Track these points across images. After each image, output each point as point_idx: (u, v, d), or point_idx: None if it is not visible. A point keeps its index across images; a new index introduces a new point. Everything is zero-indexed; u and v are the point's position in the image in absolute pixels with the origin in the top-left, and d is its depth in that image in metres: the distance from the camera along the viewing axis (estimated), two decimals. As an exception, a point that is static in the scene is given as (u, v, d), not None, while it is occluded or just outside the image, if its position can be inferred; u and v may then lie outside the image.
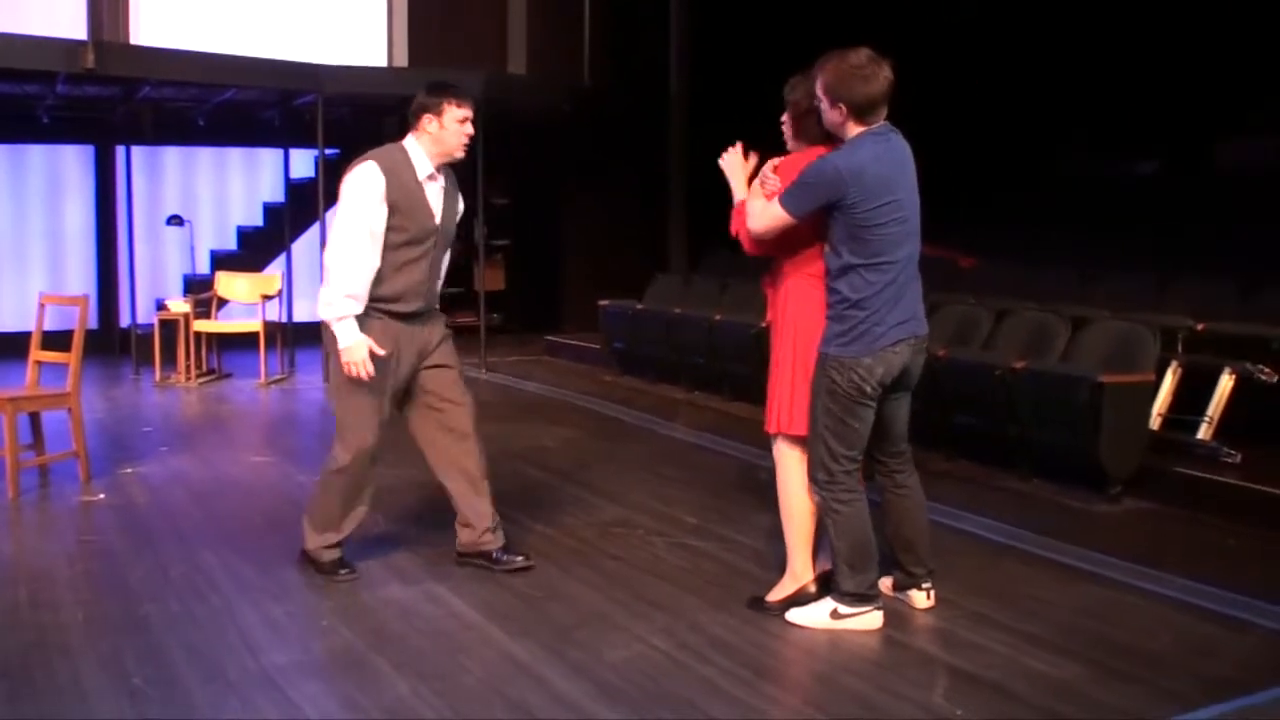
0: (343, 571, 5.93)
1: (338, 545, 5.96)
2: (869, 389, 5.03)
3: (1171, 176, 11.61)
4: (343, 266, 5.60)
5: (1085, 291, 9.90)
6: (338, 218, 5.67)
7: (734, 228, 5.47)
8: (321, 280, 5.77)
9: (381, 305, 5.71)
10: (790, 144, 5.39)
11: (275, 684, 4.63)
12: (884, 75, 4.95)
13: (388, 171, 5.67)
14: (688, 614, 5.40)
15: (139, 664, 4.80)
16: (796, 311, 5.30)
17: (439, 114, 5.76)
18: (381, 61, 15.67)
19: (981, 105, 11.76)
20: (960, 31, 11.85)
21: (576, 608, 5.49)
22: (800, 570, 5.47)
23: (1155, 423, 8.01)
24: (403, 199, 5.68)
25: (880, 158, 4.97)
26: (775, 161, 5.36)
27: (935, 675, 4.81)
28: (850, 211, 4.92)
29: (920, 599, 5.46)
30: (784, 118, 5.38)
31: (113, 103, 13.67)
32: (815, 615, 5.24)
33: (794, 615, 5.29)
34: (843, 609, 5.20)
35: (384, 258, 5.68)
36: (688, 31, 15.06)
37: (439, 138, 5.78)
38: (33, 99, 13.37)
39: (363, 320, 5.64)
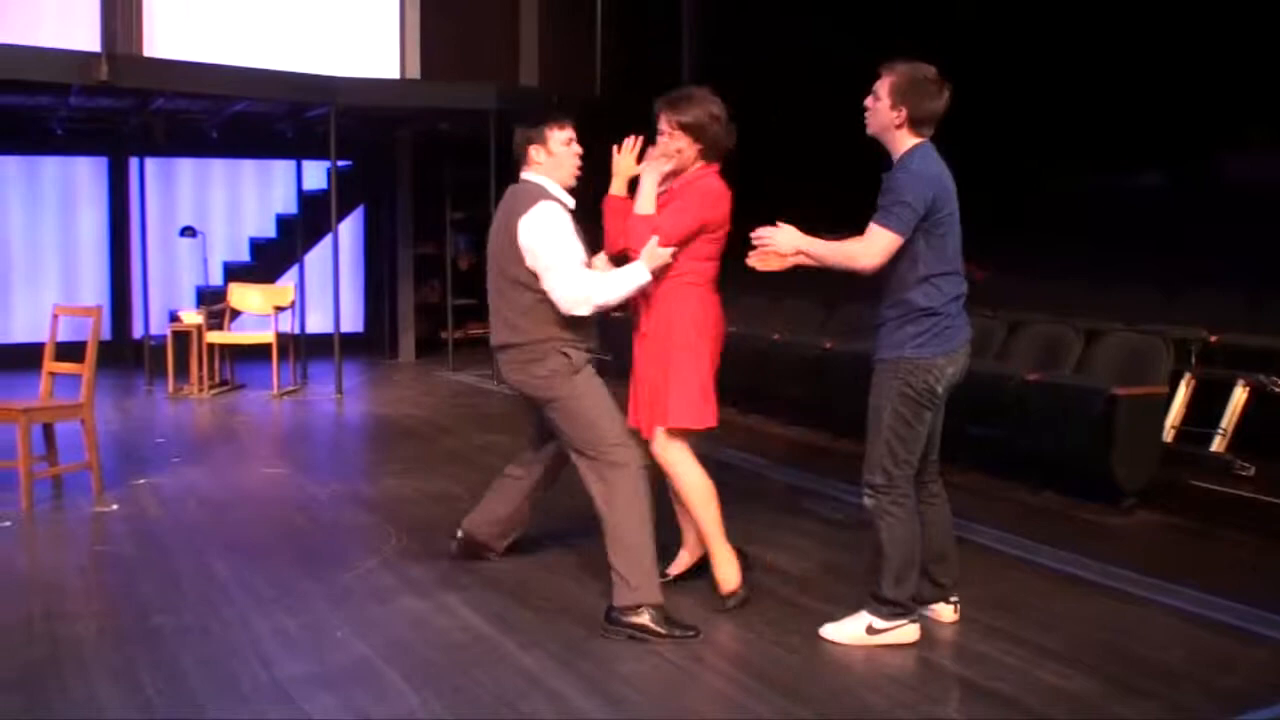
0: (679, 631, 5.31)
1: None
2: (940, 389, 5.07)
3: (1181, 188, 11.58)
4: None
5: (1098, 303, 9.88)
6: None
7: (628, 242, 5.56)
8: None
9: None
10: (685, 163, 5.57)
11: (288, 695, 4.63)
12: (947, 96, 5.05)
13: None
14: (701, 627, 5.38)
15: (152, 676, 4.81)
16: (672, 313, 5.53)
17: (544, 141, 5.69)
18: (394, 74, 15.70)
19: (989, 116, 11.74)
20: (968, 43, 11.83)
21: (589, 620, 5.48)
22: (728, 553, 5.64)
23: (1168, 435, 8.00)
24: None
25: (941, 168, 5.06)
26: (665, 185, 5.55)
27: (948, 688, 4.81)
28: (932, 218, 4.97)
29: (947, 613, 5.43)
30: (671, 131, 5.54)
31: (126, 114, 13.72)
32: (850, 631, 5.20)
33: (828, 631, 5.24)
34: (878, 623, 5.16)
35: None
36: (700, 44, 15.08)
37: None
38: (46, 111, 13.43)
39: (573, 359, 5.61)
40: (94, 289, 15.02)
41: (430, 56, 15.79)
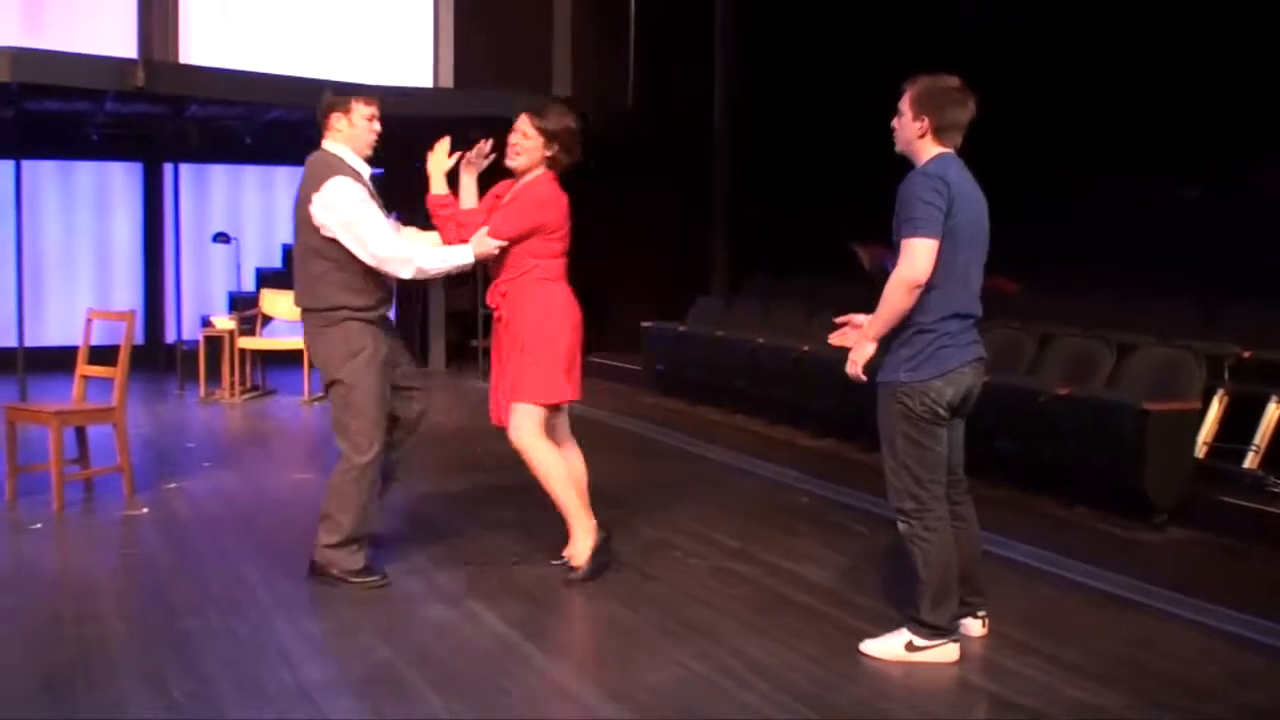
0: (376, 577, 6.05)
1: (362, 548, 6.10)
2: (941, 411, 4.99)
3: (1216, 201, 11.52)
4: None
5: (1130, 317, 9.82)
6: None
7: (461, 234, 6.14)
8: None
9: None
10: (523, 165, 6.17)
11: (312, 700, 4.64)
12: (972, 106, 5.04)
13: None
14: (726, 637, 5.38)
15: (179, 678, 4.83)
16: (526, 305, 6.04)
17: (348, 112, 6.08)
18: (427, 83, 15.76)
19: (1022, 128, 11.71)
20: (1001, 53, 11.82)
21: (615, 629, 5.49)
22: (588, 525, 6.11)
23: (1200, 451, 7.93)
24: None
25: (961, 175, 5.01)
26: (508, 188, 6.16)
27: (974, 702, 4.79)
28: (945, 223, 4.91)
29: (976, 627, 5.36)
30: (527, 133, 6.10)
31: (161, 121, 13.81)
32: (889, 647, 5.15)
33: (868, 647, 5.19)
34: (918, 641, 5.11)
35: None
36: (732, 55, 15.07)
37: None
38: (83, 116, 13.53)
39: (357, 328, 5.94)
40: (127, 293, 15.11)
41: (463, 65, 15.85)
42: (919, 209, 4.88)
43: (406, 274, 5.91)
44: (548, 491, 6.14)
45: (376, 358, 5.96)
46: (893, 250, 5.05)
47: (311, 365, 6.20)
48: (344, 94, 6.09)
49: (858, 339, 5.10)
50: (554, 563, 6.28)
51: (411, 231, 6.35)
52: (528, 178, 6.18)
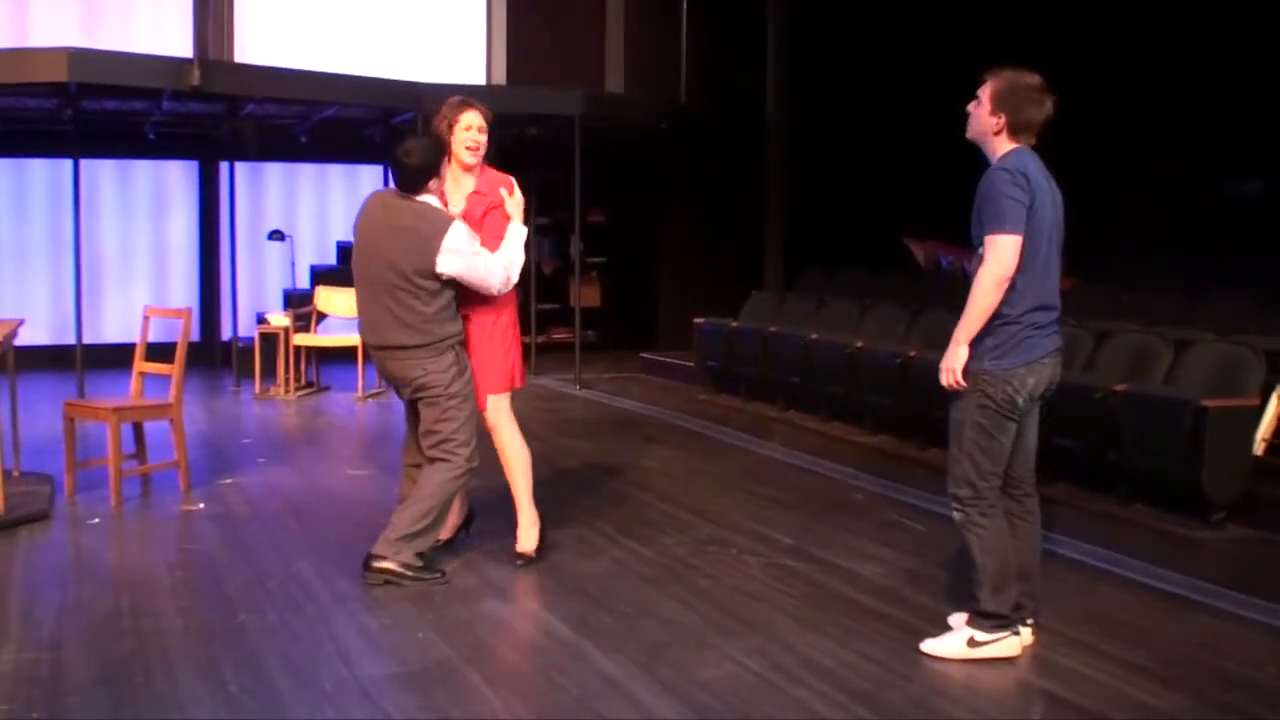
0: (436, 574, 6.13)
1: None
2: (1021, 401, 4.98)
3: (1277, 197, 11.39)
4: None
5: (1189, 313, 9.73)
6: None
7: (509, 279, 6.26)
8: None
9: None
10: (474, 166, 6.41)
11: (369, 695, 4.66)
12: (1049, 105, 5.02)
13: None
14: (780, 634, 5.36)
15: (236, 672, 4.86)
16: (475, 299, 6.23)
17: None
18: (480, 80, 15.79)
19: (1082, 125, 11.61)
20: (1065, 45, 11.72)
21: (669, 626, 5.48)
22: (533, 516, 6.43)
23: (1259, 448, 7.84)
24: None
25: (1039, 170, 5.00)
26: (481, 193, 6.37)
27: (1033, 702, 4.74)
28: (1027, 216, 4.91)
29: (1024, 635, 5.23)
30: (483, 128, 6.42)
31: (217, 120, 13.91)
32: (951, 646, 5.12)
33: (929, 646, 5.16)
34: (979, 635, 5.08)
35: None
36: (784, 50, 15.03)
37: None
38: (140, 115, 13.64)
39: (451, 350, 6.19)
40: (184, 291, 15.23)
41: (516, 62, 15.89)
42: (1004, 204, 4.88)
43: (514, 283, 6.25)
44: (506, 473, 6.44)
45: (470, 369, 6.26)
46: (949, 246, 5.02)
47: (395, 384, 6.30)
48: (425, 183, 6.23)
49: (950, 346, 5.04)
50: (518, 564, 6.36)
51: None
52: (483, 170, 6.48)
